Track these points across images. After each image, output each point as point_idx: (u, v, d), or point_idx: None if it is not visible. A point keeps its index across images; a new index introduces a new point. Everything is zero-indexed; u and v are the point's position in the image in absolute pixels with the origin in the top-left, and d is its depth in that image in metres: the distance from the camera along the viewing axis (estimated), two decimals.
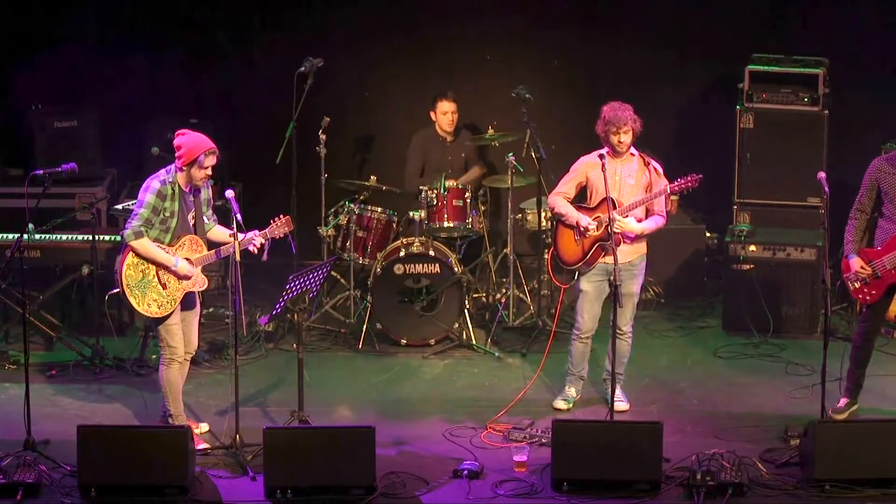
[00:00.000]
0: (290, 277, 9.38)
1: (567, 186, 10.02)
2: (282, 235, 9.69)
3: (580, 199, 10.08)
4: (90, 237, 10.88)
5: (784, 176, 11.95)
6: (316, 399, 10.17)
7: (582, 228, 9.84)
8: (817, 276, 11.41)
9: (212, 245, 9.59)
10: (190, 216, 9.43)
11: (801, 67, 11.96)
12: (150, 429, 9.46)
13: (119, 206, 11.24)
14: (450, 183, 11.59)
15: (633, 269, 9.94)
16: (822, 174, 9.67)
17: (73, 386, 10.59)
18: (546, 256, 10.20)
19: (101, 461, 8.82)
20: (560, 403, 10.18)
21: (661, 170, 9.95)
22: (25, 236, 9.68)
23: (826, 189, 9.55)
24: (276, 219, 9.67)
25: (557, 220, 10.06)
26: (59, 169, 9.56)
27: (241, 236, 9.43)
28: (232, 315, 9.78)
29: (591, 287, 9.98)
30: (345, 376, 10.90)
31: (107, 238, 11.20)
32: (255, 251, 9.57)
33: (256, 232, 9.56)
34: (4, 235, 11.06)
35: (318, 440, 8.97)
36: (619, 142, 9.80)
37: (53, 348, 11.20)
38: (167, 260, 9.35)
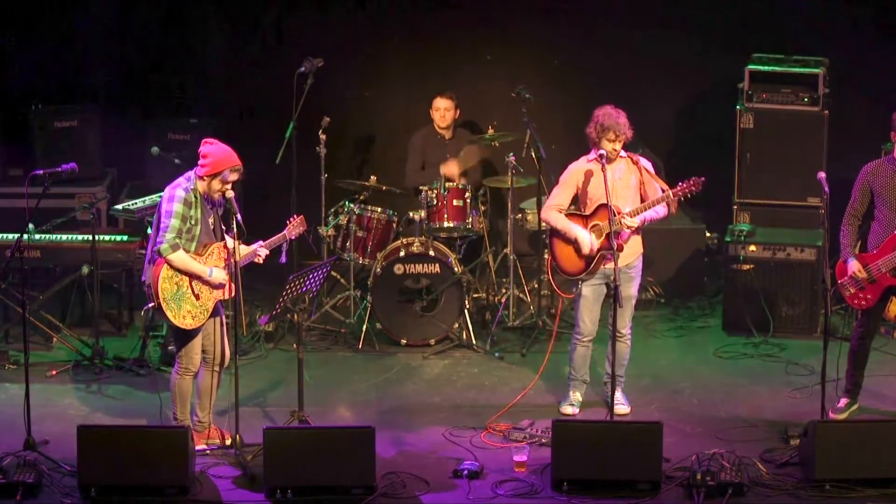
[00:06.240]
0: (290, 277, 9.37)
1: (560, 198, 9.91)
2: (297, 235, 9.70)
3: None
4: (90, 237, 10.86)
5: (784, 176, 11.94)
6: (316, 399, 10.17)
7: (585, 251, 9.78)
8: (817, 276, 11.41)
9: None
10: (210, 221, 9.28)
11: (801, 67, 11.95)
12: (150, 429, 9.46)
13: (119, 207, 11.23)
14: (450, 171, 11.60)
15: (630, 272, 9.91)
16: (822, 174, 9.66)
17: (73, 386, 10.58)
18: (546, 264, 10.13)
19: (101, 461, 8.80)
20: (567, 409, 10.11)
21: (651, 168, 9.88)
22: (25, 236, 9.66)
23: (826, 189, 9.54)
24: (290, 220, 9.65)
25: (552, 233, 10.00)
26: (59, 169, 9.54)
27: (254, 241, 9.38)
28: (232, 315, 9.75)
29: (590, 291, 9.93)
30: (345, 376, 10.89)
31: (107, 238, 11.20)
32: (261, 262, 9.51)
33: (260, 242, 9.50)
34: (4, 235, 11.05)
35: (317, 440, 8.96)
36: (614, 149, 9.74)
37: (53, 348, 11.20)
38: (202, 271, 9.19)
